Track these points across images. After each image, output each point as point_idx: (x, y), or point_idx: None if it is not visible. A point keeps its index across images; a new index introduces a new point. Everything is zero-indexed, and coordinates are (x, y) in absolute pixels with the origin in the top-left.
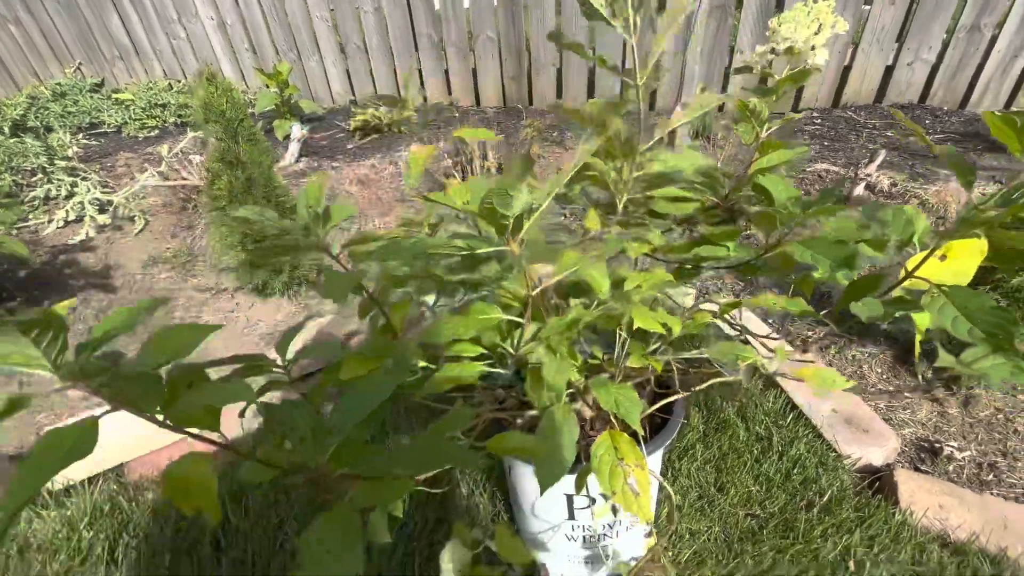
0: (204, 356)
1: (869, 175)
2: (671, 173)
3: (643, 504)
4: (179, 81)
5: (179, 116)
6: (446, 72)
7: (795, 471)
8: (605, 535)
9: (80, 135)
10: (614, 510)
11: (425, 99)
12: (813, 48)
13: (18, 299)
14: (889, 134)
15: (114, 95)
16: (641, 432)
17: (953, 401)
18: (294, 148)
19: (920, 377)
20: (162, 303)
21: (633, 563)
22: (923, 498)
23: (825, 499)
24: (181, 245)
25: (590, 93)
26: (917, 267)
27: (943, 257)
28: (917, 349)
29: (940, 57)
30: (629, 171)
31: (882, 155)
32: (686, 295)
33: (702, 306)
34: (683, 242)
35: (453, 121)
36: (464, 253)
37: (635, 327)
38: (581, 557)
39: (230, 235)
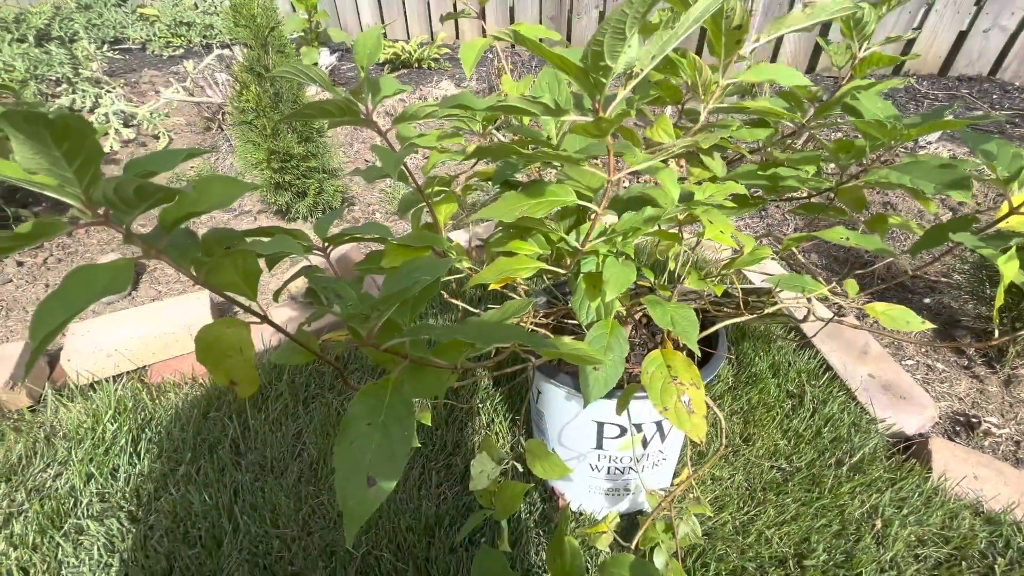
0: None
1: (929, 143)
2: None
3: (696, 423)
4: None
5: (204, 36)
6: (482, 10)
7: (826, 429)
8: (631, 468)
9: (105, 48)
10: (644, 442)
11: (457, 35)
12: None
13: (44, 203)
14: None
15: (139, 9)
16: (697, 353)
17: (995, 379)
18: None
19: (963, 352)
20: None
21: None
22: (958, 467)
23: (855, 459)
24: (204, 165)
25: None
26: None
27: None
28: (999, 302)
29: (1022, 25)
30: (722, 72)
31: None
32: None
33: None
34: (753, 166)
35: (485, 60)
36: (548, 116)
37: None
38: (603, 489)
39: (255, 151)
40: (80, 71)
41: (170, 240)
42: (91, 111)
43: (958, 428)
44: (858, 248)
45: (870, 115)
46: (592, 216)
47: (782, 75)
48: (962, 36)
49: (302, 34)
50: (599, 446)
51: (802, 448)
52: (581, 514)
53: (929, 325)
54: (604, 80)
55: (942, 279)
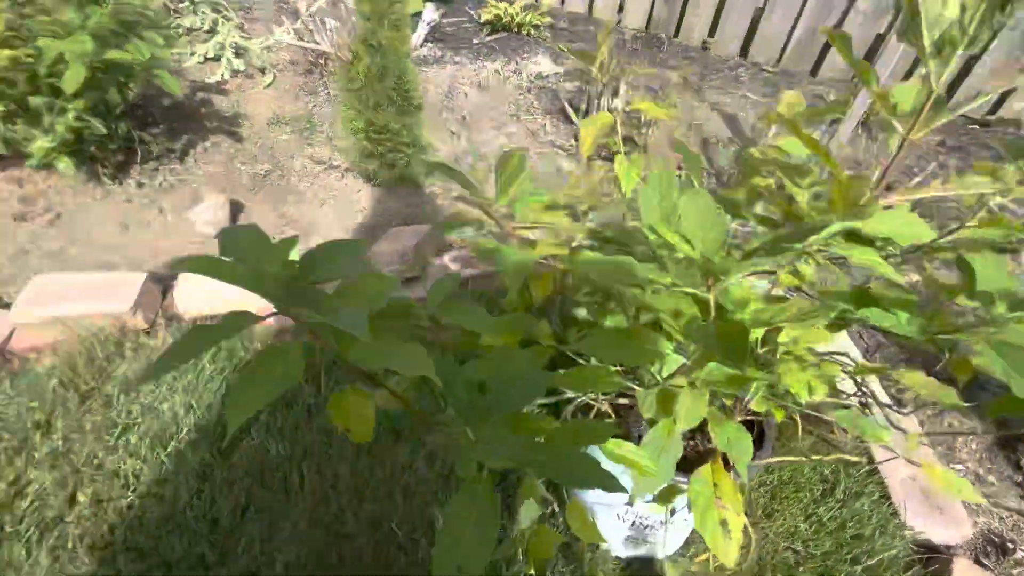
0: (315, 227)
1: None
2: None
3: (730, 549)
4: None
5: None
6: None
7: (851, 523)
8: (652, 526)
9: None
10: (672, 512)
11: (563, 1)
12: None
13: (160, 126)
14: None
15: None
16: (744, 478)
17: None
18: (422, 31)
19: (1020, 467)
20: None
21: (672, 554)
22: None
23: (872, 562)
24: (303, 110)
25: (747, 42)
26: None
27: None
28: None
29: None
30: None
31: None
32: None
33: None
34: (845, 289)
35: (585, 35)
36: (663, 286)
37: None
38: (623, 536)
39: (356, 119)
40: None
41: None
42: (208, 33)
43: (990, 549)
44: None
45: (985, 281)
46: (683, 367)
47: (905, 232)
48: None
49: None
50: (630, 502)
51: (822, 537)
52: (598, 547)
53: (982, 501)
54: (722, 278)
55: None
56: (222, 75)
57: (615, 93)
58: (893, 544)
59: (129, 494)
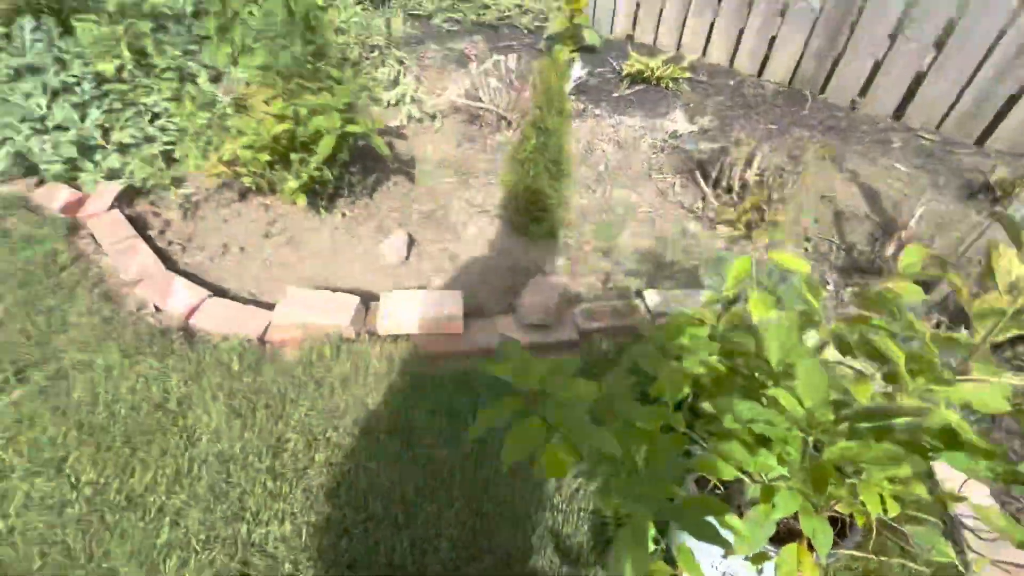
0: (473, 263)
1: None
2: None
3: None
4: None
5: (478, 14)
6: (740, 31)
7: None
8: None
9: (402, 15)
10: (759, 572)
11: (705, 52)
12: None
13: (357, 166)
14: None
15: None
16: (823, 561)
17: None
18: (568, 85)
19: None
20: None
21: None
22: None
23: None
24: (463, 156)
25: (903, 104)
26: None
27: None
28: None
29: None
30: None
31: None
32: None
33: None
34: (935, 427)
35: (724, 89)
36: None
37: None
38: None
39: (515, 182)
40: (391, 41)
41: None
42: (392, 83)
43: None
44: None
45: None
46: (784, 481)
47: (986, 403)
48: None
49: (561, 31)
50: (725, 556)
51: None
52: None
53: None
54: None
55: None
56: (401, 121)
57: (749, 163)
58: None
59: (345, 461)
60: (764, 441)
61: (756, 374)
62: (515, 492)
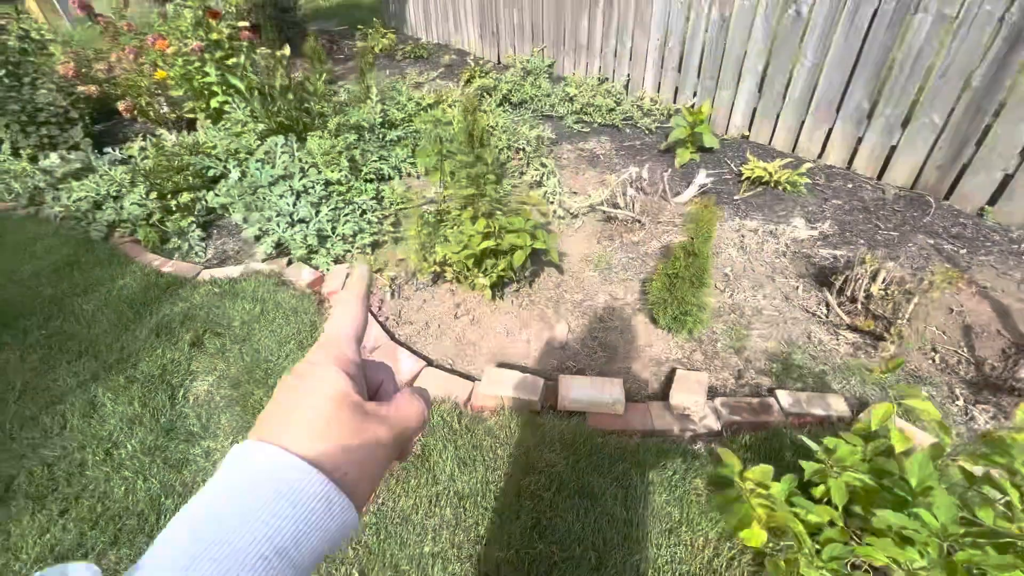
0: (617, 353)
1: None
2: None
3: None
4: (607, 80)
5: (604, 117)
6: (859, 140)
7: None
8: None
9: (538, 118)
10: None
11: (821, 154)
12: None
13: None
14: None
15: (565, 88)
16: None
17: None
18: (692, 190)
19: None
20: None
21: None
22: None
23: None
24: (602, 252)
25: None
26: None
27: None
28: None
29: None
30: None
31: None
32: None
33: None
34: None
35: (842, 192)
36: None
37: None
38: None
39: (662, 290)
40: (534, 143)
41: None
42: (537, 184)
43: None
44: None
45: None
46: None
47: None
48: None
49: (682, 137)
50: None
51: None
52: None
53: None
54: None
55: None
56: (548, 218)
57: (875, 274)
58: None
59: (546, 510)
60: (907, 540)
61: (897, 490)
62: (681, 548)
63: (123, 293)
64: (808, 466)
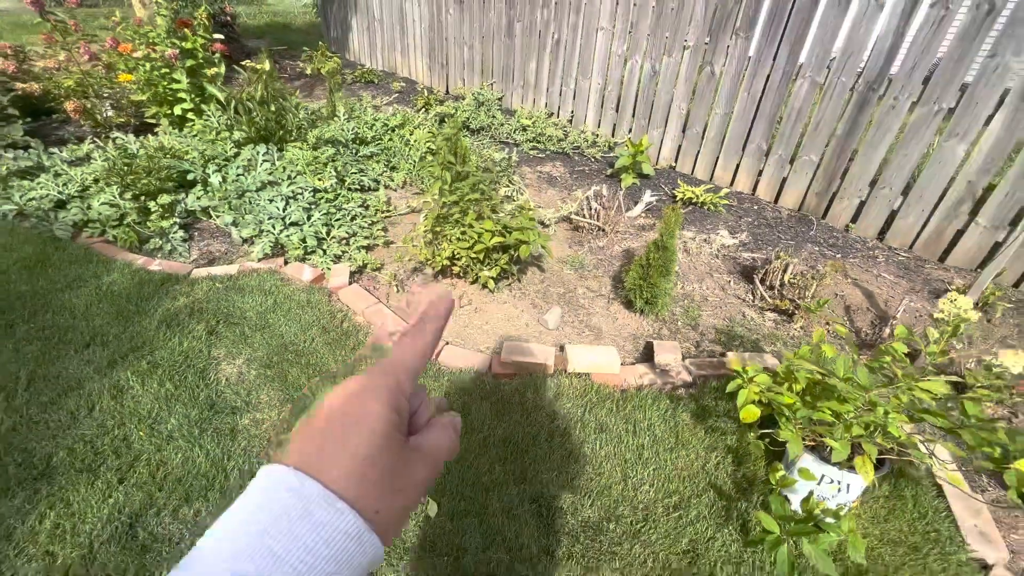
0: (601, 332)
1: None
2: None
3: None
4: (554, 114)
5: (556, 145)
6: (760, 172)
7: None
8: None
9: (497, 144)
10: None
11: (732, 182)
12: None
13: (516, 267)
14: None
15: (518, 120)
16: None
17: None
18: (641, 206)
19: None
20: None
21: None
22: None
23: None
24: (573, 255)
25: (883, 230)
26: None
27: None
28: None
29: None
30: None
31: None
32: None
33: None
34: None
35: (751, 212)
36: None
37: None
38: None
39: (638, 278)
40: (508, 165)
41: None
42: (510, 198)
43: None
44: None
45: None
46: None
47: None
48: None
49: (625, 165)
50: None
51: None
52: None
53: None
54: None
55: None
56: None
57: (785, 267)
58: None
59: (572, 442)
60: (841, 406)
61: (831, 380)
62: (681, 460)
63: (114, 289)
64: (780, 367)
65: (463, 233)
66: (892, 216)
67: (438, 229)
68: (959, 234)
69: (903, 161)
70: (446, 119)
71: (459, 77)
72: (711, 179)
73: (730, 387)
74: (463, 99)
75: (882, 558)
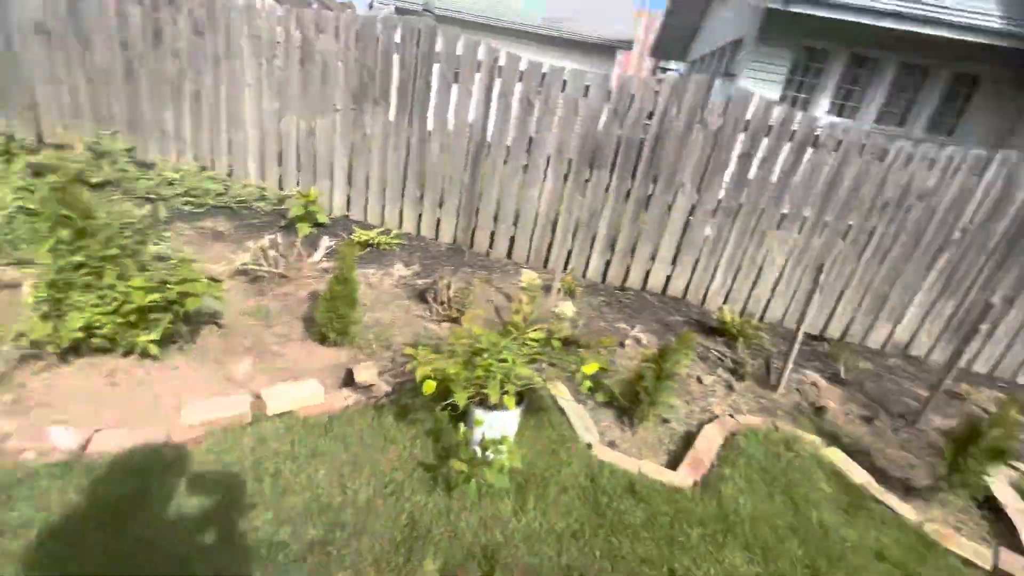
0: (302, 370)
1: None
2: None
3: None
4: (207, 168)
5: (215, 199)
6: (419, 215)
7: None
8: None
9: (135, 200)
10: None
11: (400, 226)
12: None
13: (186, 327)
14: None
15: (162, 173)
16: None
17: None
18: (322, 251)
19: None
20: None
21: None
22: None
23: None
24: (257, 306)
25: (509, 251)
26: None
27: None
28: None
29: None
30: None
31: None
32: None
33: None
34: None
35: (419, 248)
36: None
37: None
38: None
39: (328, 312)
40: (155, 221)
41: None
42: (161, 257)
43: None
44: None
45: None
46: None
47: None
48: None
49: (300, 215)
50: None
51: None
52: None
53: None
54: None
55: None
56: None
57: (448, 286)
58: None
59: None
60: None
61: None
62: (383, 456)
63: None
64: (445, 346)
65: (101, 297)
66: (512, 240)
67: (60, 297)
68: (549, 247)
69: (508, 201)
70: (47, 171)
71: (58, 122)
72: (382, 223)
73: (418, 374)
74: (71, 148)
75: (535, 464)
